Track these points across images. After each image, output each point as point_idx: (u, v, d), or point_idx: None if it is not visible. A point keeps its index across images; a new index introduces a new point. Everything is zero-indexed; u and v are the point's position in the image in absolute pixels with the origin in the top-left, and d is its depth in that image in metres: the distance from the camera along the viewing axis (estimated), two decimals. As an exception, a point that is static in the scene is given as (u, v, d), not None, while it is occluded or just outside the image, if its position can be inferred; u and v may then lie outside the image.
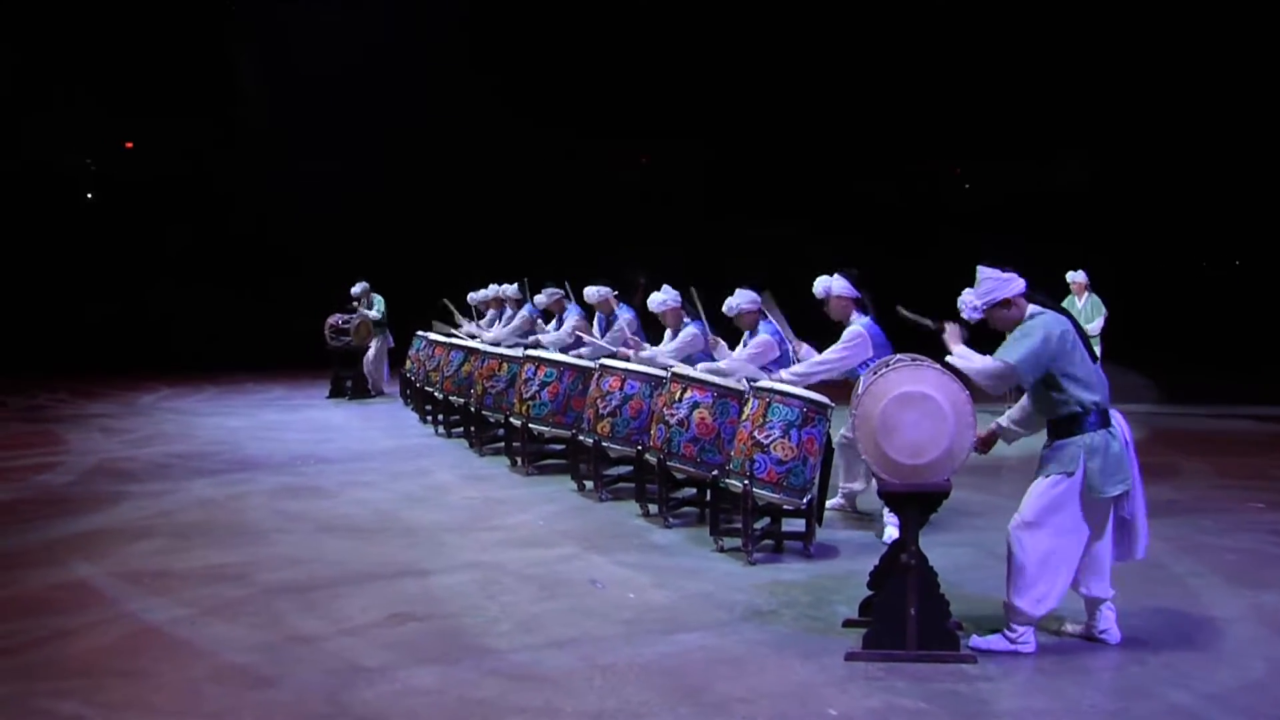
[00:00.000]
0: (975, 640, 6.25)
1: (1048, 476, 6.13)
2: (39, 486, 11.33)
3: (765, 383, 8.41)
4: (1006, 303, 6.22)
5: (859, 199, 28.12)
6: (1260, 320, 25.39)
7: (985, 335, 6.42)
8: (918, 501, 6.18)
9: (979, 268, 6.29)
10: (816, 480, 8.25)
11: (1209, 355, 23.40)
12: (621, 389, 9.96)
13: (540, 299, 13.70)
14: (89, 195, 29.42)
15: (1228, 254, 29.03)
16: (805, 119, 27.02)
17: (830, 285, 9.03)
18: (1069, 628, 6.48)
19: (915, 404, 6.03)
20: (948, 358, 6.22)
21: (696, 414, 8.90)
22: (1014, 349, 6.06)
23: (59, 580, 7.83)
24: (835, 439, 8.79)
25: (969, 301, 6.25)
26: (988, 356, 6.13)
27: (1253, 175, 25.78)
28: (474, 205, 27.48)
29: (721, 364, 9.38)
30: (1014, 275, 6.23)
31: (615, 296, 12.22)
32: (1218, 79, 24.73)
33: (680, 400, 9.00)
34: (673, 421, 8.98)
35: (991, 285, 6.22)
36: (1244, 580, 7.63)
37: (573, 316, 12.89)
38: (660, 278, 10.83)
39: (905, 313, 7.12)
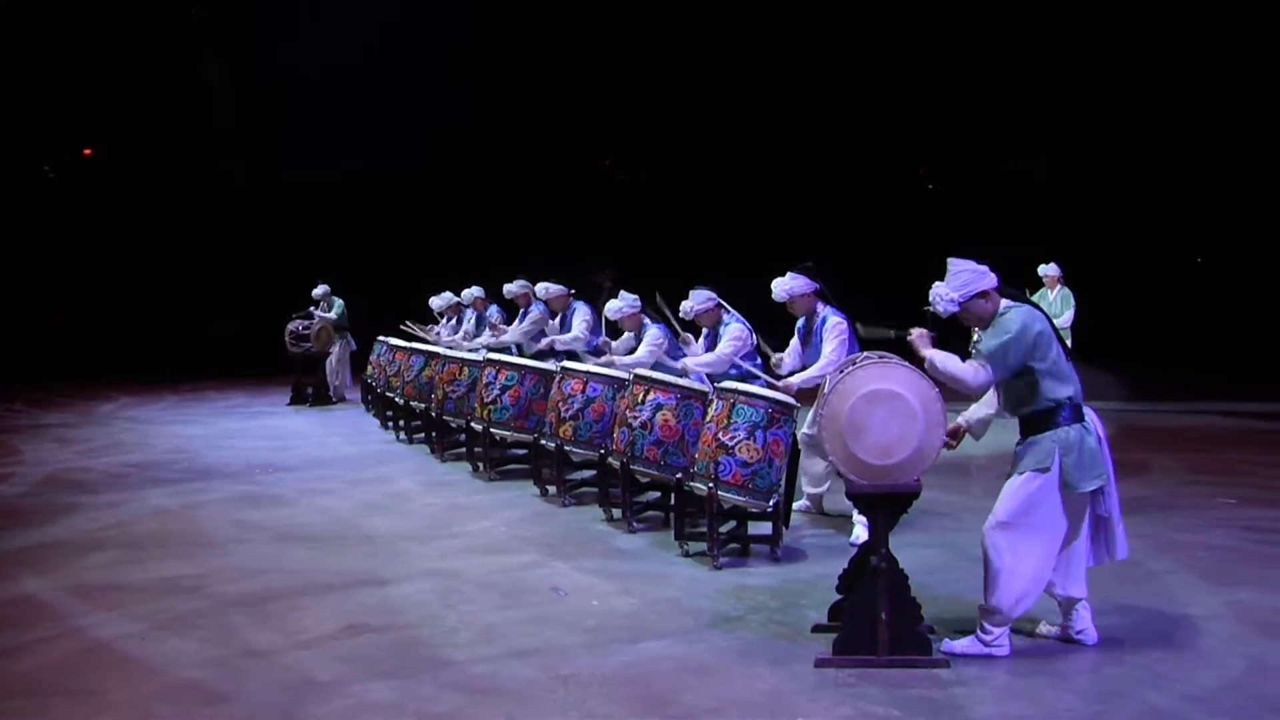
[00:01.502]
0: (948, 644, 6.12)
1: (1022, 474, 6.00)
2: (-11, 498, 11.11)
3: (729, 384, 8.26)
4: (984, 295, 6.08)
5: (857, 199, 28.16)
6: (1226, 315, 25.46)
7: (954, 331, 6.31)
8: (887, 503, 6.04)
9: (950, 260, 6.15)
10: (783, 482, 8.10)
11: (1176, 351, 23.43)
12: (584, 392, 9.81)
13: (511, 288, 13.56)
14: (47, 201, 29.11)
15: (1191, 249, 29.12)
16: (796, 117, 27.03)
17: (790, 287, 8.87)
18: (1044, 629, 6.36)
19: (884, 402, 5.89)
20: (926, 365, 6.06)
21: (660, 416, 8.76)
22: (991, 346, 5.92)
23: (5, 595, 7.63)
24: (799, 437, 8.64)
25: (944, 294, 6.08)
26: (967, 364, 5.99)
27: (1217, 170, 25.89)
28: (461, 207, 27.38)
29: (708, 357, 9.22)
30: (987, 268, 6.10)
31: (572, 294, 12.12)
32: (1185, 76, 24.83)
33: (643, 402, 8.86)
34: (636, 424, 8.84)
35: (969, 277, 6.07)
36: (1219, 577, 7.54)
37: (537, 311, 12.79)
38: (629, 278, 10.71)
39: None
